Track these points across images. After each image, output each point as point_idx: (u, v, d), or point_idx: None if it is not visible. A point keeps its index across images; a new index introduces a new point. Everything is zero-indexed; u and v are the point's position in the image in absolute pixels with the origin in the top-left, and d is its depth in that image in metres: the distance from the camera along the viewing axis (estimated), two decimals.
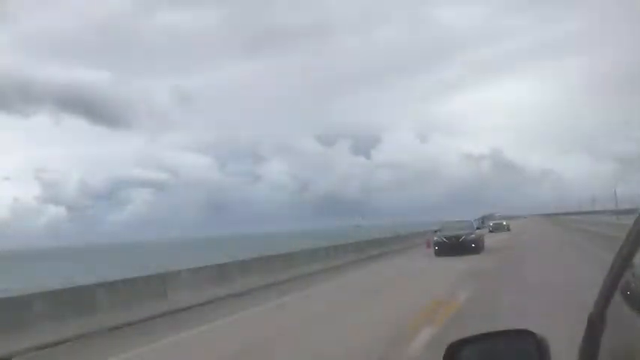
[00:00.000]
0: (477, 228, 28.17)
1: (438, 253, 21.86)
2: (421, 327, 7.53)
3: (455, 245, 21.73)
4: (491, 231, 43.46)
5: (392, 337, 7.15)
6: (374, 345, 6.83)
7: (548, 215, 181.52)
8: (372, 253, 24.71)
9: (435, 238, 22.97)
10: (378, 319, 8.76)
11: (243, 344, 7.74)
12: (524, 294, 10.05)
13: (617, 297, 1.12)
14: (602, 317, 1.10)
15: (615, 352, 1.05)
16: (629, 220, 1.17)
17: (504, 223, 51.05)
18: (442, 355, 1.22)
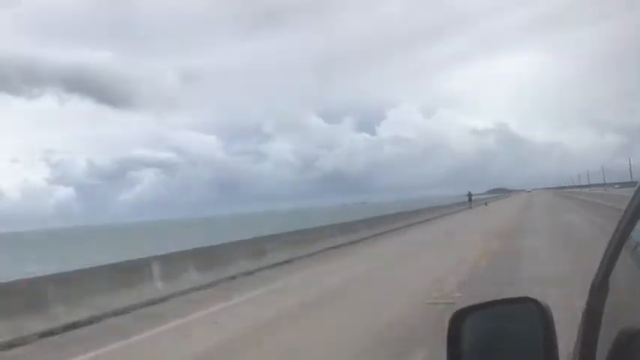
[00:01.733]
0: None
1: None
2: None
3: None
4: None
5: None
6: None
7: (555, 189, 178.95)
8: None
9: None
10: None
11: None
12: None
13: (623, 261, 1.13)
14: (604, 284, 1.11)
15: (618, 320, 1.06)
16: None
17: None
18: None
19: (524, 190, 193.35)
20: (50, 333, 7.09)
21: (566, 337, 1.29)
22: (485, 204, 55.73)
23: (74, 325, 7.43)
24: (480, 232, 18.80)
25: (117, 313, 8.16)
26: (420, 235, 20.48)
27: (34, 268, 25.69)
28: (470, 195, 52.12)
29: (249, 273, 11.61)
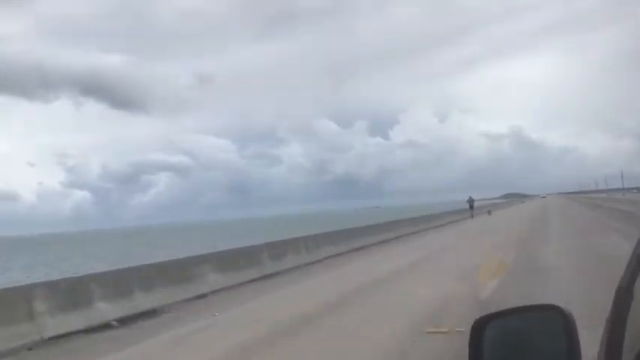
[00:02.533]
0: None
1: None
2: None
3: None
4: None
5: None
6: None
7: (570, 194, 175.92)
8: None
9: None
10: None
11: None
12: None
13: None
14: (630, 290, 1.09)
15: None
16: None
17: None
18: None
19: (538, 196, 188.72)
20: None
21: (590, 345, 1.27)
22: (489, 212, 45.67)
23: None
24: (422, 303, 8.14)
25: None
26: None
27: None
28: (471, 201, 41.81)
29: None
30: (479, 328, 1.21)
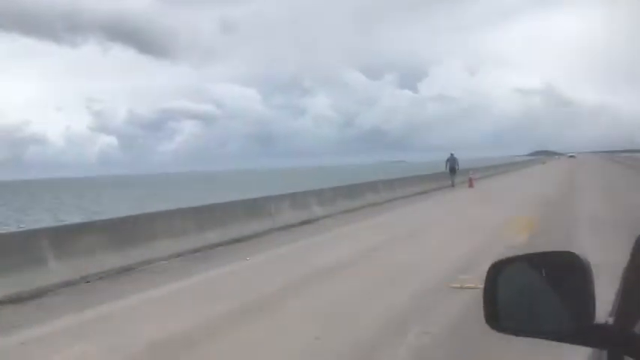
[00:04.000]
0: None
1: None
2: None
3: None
4: None
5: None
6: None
7: (605, 153, 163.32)
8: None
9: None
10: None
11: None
12: None
13: None
14: None
15: None
16: None
17: None
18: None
19: (566, 154, 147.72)
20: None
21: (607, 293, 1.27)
22: (470, 183, 27.76)
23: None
24: None
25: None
26: None
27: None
28: (452, 161, 28.04)
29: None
30: (495, 271, 1.22)
